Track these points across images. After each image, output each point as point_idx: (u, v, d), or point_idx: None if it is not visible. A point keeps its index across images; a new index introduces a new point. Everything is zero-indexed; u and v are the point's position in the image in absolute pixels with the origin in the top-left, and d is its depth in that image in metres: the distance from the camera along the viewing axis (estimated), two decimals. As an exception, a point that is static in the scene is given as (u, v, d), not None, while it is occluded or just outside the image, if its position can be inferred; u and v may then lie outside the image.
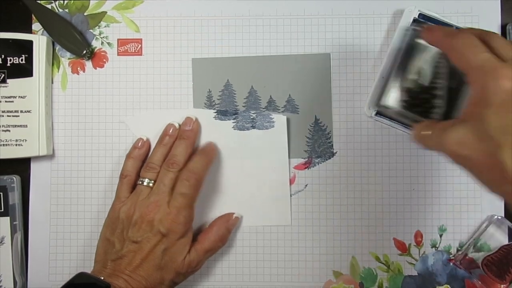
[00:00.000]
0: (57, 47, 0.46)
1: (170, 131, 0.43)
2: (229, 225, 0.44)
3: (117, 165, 0.45)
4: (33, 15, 0.45)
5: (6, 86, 0.43)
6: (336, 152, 0.45)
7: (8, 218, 0.44)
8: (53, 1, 0.46)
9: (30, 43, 0.44)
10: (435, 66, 0.38)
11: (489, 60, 0.30)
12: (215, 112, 0.45)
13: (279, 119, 0.45)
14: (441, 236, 0.44)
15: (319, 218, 0.45)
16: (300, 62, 0.45)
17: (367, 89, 0.45)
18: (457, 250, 0.44)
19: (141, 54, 0.46)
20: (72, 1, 0.46)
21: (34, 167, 0.46)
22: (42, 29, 0.45)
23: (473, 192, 0.44)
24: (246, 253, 0.45)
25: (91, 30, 0.46)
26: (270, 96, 0.45)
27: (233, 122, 0.45)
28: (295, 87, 0.45)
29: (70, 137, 0.46)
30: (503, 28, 0.44)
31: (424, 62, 0.39)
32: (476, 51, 0.31)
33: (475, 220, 0.44)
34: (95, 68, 0.46)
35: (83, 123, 0.46)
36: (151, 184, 0.41)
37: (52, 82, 0.46)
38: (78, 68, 0.46)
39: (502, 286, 0.42)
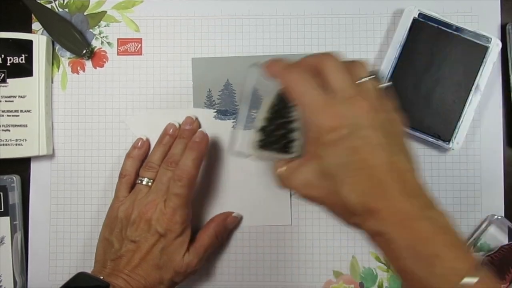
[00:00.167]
0: (57, 46, 0.46)
1: (170, 130, 0.43)
2: (227, 223, 0.44)
3: (117, 164, 0.45)
4: (33, 15, 0.45)
5: (6, 86, 0.43)
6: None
7: (8, 218, 0.44)
8: (53, 1, 0.46)
9: (30, 42, 0.44)
10: (287, 99, 0.33)
11: (316, 98, 0.30)
12: (215, 112, 0.45)
13: (279, 119, 0.45)
14: (441, 236, 0.44)
15: (319, 218, 0.45)
16: (300, 62, 0.45)
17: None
18: (457, 250, 0.44)
19: (141, 54, 0.46)
20: (72, 0, 0.46)
21: (34, 167, 0.46)
22: (42, 28, 0.45)
23: (473, 192, 0.44)
24: (246, 253, 0.45)
25: (91, 30, 0.46)
26: (270, 96, 0.45)
27: (233, 122, 0.45)
28: (295, 87, 0.45)
29: (70, 136, 0.46)
30: (503, 28, 0.44)
31: (275, 97, 0.35)
32: (306, 88, 0.30)
33: (475, 220, 0.44)
34: (95, 68, 0.46)
35: (83, 123, 0.46)
36: (150, 183, 0.41)
37: (52, 82, 0.46)
38: (78, 68, 0.46)
39: (502, 286, 0.42)
